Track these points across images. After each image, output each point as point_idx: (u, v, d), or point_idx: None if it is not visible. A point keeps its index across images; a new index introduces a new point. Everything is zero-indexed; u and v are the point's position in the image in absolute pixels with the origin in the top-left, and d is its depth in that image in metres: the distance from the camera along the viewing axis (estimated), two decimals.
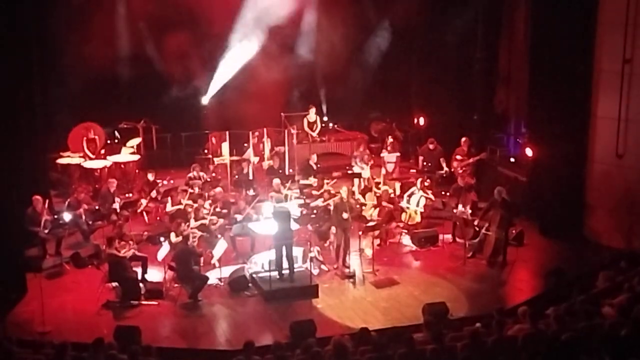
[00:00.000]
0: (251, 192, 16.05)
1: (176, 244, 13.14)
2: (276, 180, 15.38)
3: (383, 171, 17.30)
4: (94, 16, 17.71)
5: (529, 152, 15.93)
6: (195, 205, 14.64)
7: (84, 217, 14.67)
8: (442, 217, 15.63)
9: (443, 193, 16.31)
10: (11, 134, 13.16)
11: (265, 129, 18.33)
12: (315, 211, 14.92)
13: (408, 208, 15.18)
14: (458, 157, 16.88)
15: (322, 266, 13.80)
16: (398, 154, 17.69)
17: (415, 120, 19.99)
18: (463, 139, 16.97)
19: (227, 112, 19.10)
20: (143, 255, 13.23)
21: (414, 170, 17.56)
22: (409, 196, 15.36)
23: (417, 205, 15.17)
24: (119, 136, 18.86)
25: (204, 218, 14.25)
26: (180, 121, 19.61)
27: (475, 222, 14.35)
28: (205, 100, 19.79)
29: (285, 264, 13.02)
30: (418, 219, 15.20)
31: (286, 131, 18.30)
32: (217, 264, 13.41)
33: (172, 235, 13.43)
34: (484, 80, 18.42)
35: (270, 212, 13.78)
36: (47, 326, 11.50)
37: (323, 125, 19.28)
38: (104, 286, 12.76)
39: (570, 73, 14.78)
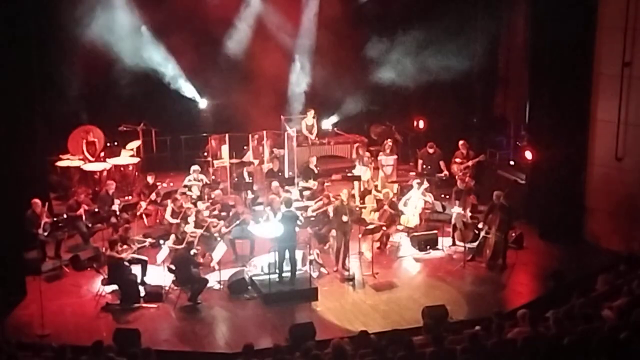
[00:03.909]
0: (250, 195, 16.01)
1: (177, 248, 13.12)
2: (274, 183, 15.34)
3: (381, 174, 17.29)
4: (95, 18, 17.70)
5: (528, 155, 15.92)
6: (196, 208, 14.61)
7: (83, 219, 14.67)
8: (442, 220, 15.62)
9: (443, 196, 16.31)
10: (11, 137, 13.15)
11: (265, 132, 18.31)
12: (314, 214, 14.91)
13: (405, 212, 15.17)
14: (457, 160, 16.84)
15: (322, 269, 13.78)
16: (395, 156, 17.67)
17: (415, 123, 19.99)
18: (461, 142, 16.92)
19: (226, 115, 19.12)
20: (143, 258, 13.22)
21: (414, 173, 17.55)
22: (406, 200, 15.37)
23: (415, 208, 15.17)
24: (118, 139, 18.85)
25: (203, 221, 14.24)
26: (180, 124, 19.60)
27: (479, 225, 14.33)
28: (203, 104, 19.86)
29: (286, 267, 13.01)
30: (417, 221, 15.20)
31: (286, 134, 18.29)
32: (216, 267, 13.41)
33: (172, 237, 13.41)
34: (483, 83, 18.42)
35: (279, 214, 13.67)
36: (47, 329, 11.48)
37: (322, 128, 19.28)
38: (104, 289, 12.76)
39: (569, 76, 14.78)
